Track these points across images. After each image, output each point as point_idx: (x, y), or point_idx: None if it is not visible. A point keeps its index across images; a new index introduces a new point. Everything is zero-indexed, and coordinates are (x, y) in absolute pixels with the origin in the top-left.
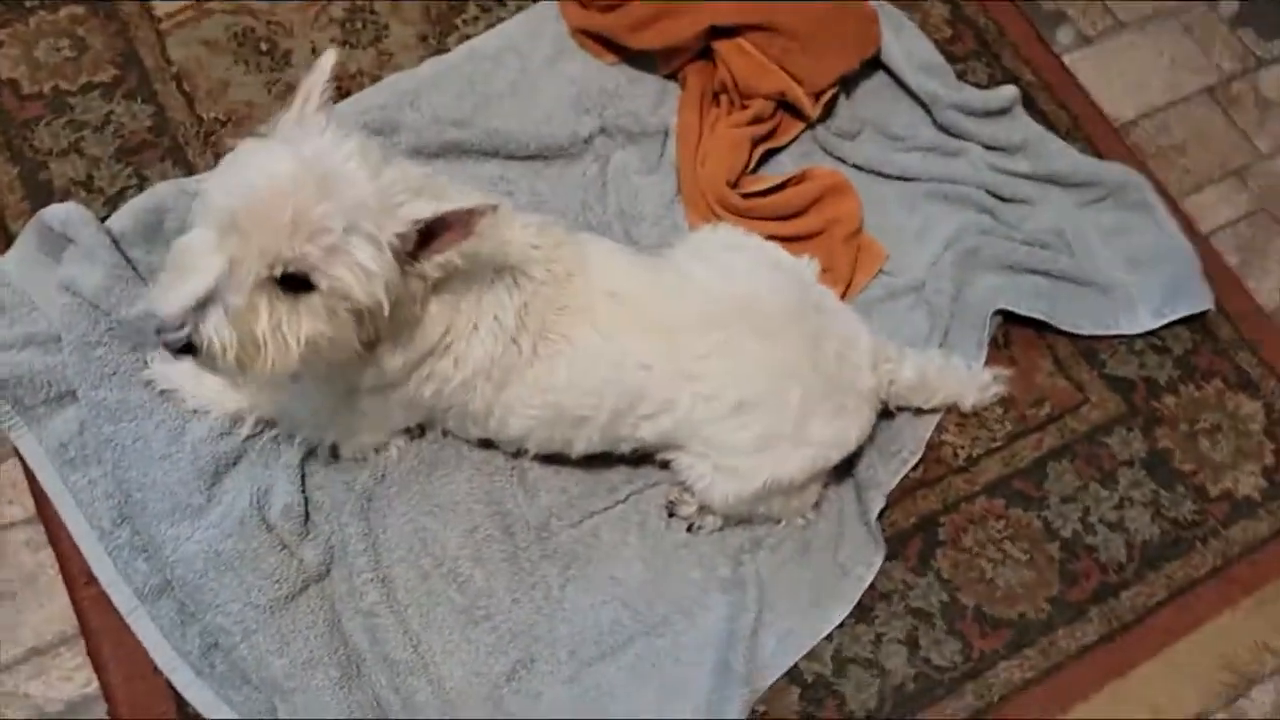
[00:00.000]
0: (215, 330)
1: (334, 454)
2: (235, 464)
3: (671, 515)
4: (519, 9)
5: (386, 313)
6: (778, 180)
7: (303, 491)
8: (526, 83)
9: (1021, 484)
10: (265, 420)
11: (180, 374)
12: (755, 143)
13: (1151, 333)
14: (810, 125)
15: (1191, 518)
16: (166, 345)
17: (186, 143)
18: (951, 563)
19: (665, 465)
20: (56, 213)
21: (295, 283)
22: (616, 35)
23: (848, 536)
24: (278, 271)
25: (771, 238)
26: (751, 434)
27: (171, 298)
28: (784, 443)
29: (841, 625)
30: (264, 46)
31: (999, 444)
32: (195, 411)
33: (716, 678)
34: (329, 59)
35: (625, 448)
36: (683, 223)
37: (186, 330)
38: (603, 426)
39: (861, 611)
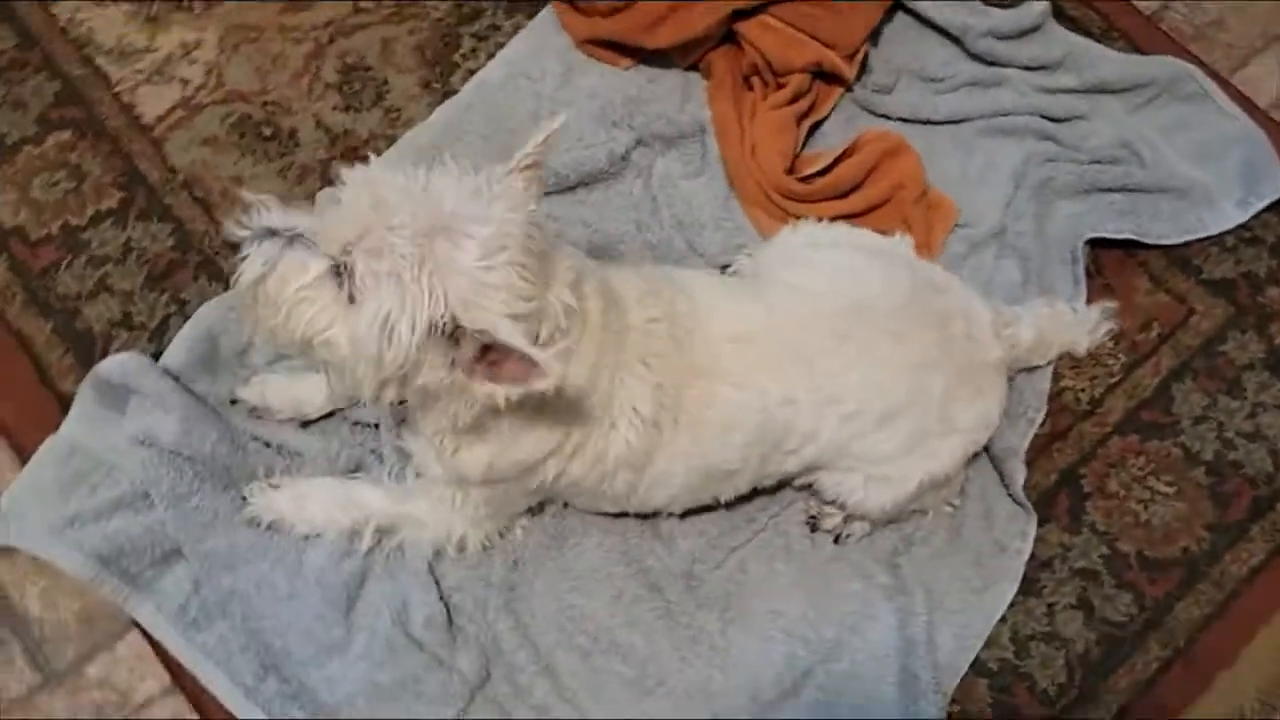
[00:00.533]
0: (258, 257)
1: (461, 549)
2: (363, 584)
3: (814, 530)
4: (516, 28)
5: (407, 387)
6: (832, 155)
7: (440, 598)
8: (546, 108)
9: (1150, 414)
10: (382, 529)
11: (282, 501)
12: (799, 120)
13: (1240, 226)
14: (848, 88)
15: None
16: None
17: (216, 252)
18: (1104, 513)
19: (806, 487)
20: (112, 366)
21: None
22: (629, 38)
23: (996, 512)
24: (338, 260)
25: (839, 218)
26: (901, 438)
27: (265, 216)
28: (932, 438)
29: (1012, 604)
30: (266, 131)
31: (1117, 378)
32: (308, 538)
33: (904, 690)
34: (554, 122)
35: (769, 483)
36: (744, 222)
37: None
38: (751, 474)
39: (1028, 585)
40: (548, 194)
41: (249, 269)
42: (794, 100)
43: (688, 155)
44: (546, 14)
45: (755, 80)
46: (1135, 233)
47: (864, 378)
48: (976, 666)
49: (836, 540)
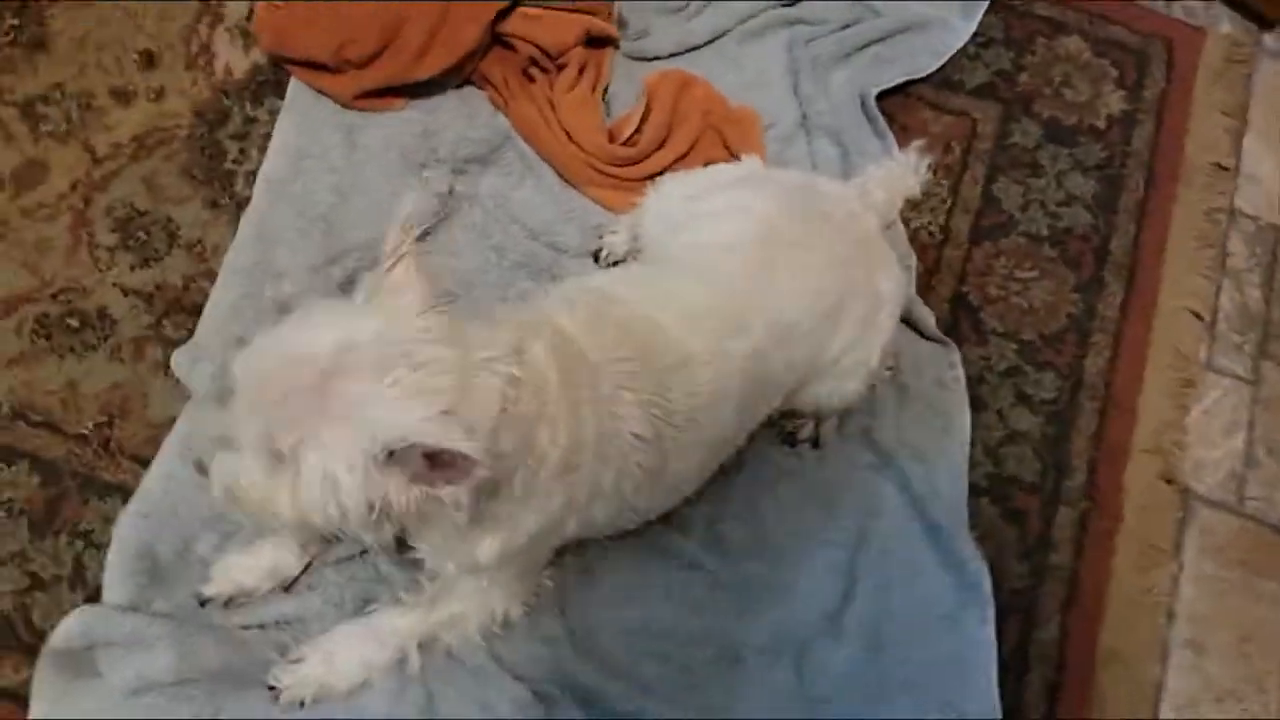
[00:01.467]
0: (218, 475)
1: (507, 623)
2: (433, 705)
3: (794, 444)
4: (272, 113)
5: (392, 518)
6: (638, 111)
7: (515, 678)
8: (346, 180)
9: (988, 219)
10: (425, 643)
11: (313, 670)
12: (593, 91)
13: (974, 35)
14: (616, 47)
15: (1103, 155)
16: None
17: (93, 469)
18: (997, 317)
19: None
20: (66, 634)
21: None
22: (398, 78)
23: (922, 357)
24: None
25: (672, 164)
26: (850, 328)
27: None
28: (873, 315)
29: (973, 426)
30: (73, 323)
31: (949, 201)
32: (355, 692)
33: (935, 543)
34: (404, 206)
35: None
36: (589, 205)
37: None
38: (749, 427)
39: (975, 404)
40: None
41: (215, 491)
42: (581, 74)
43: (505, 167)
44: (297, 88)
45: (535, 72)
46: (906, 73)
47: (801, 294)
48: (973, 490)
49: (815, 444)
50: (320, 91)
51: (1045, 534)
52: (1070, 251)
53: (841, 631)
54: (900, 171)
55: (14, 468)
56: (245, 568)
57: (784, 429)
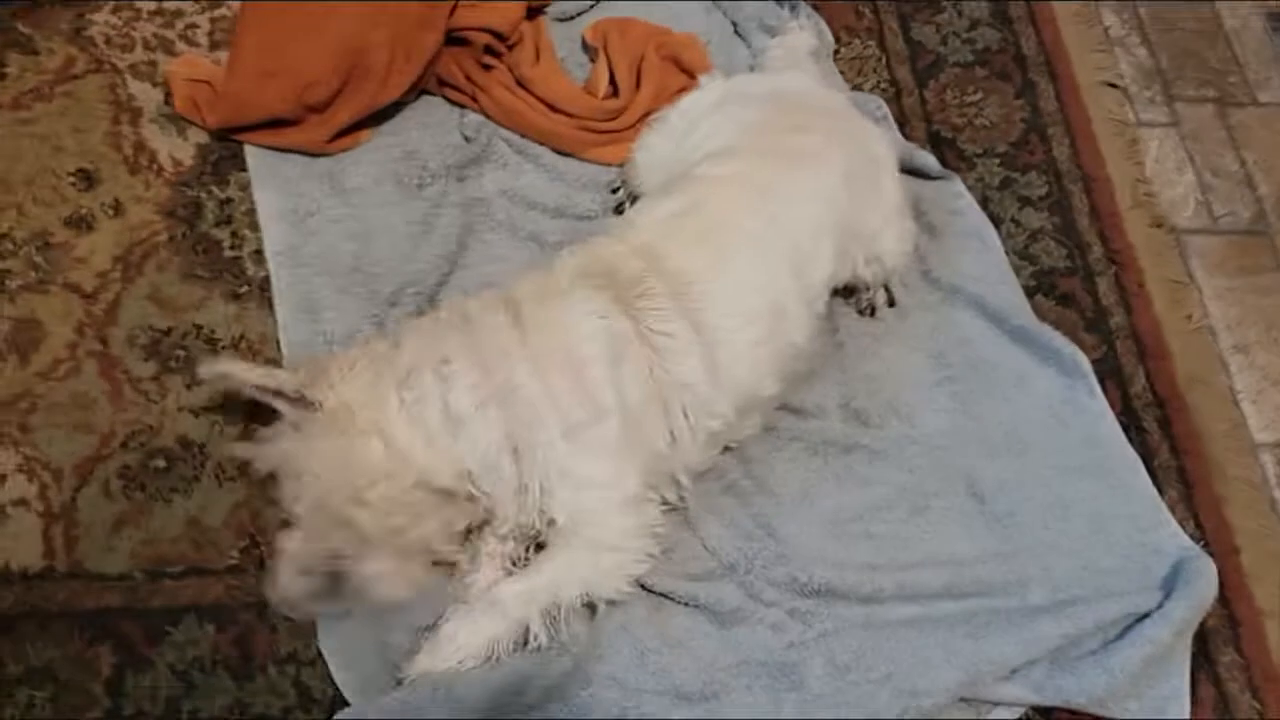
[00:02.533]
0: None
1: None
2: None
3: (874, 313)
4: (244, 185)
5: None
6: (603, 66)
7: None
8: (356, 224)
9: (922, 62)
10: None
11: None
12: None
13: None
14: (544, 12)
15: None
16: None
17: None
18: (971, 141)
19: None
20: None
21: None
22: (369, 107)
23: (934, 198)
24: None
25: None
26: (866, 196)
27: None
28: (878, 177)
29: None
30: (159, 464)
31: (883, 55)
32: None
33: (1022, 340)
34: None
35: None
36: (599, 169)
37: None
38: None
39: (992, 219)
40: (428, 293)
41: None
42: (537, 48)
43: (500, 159)
44: (256, 155)
45: (489, 60)
46: None
47: (815, 185)
48: (1026, 291)
49: (891, 304)
50: (287, 149)
51: (1097, 305)
52: (997, 66)
53: (992, 450)
54: (822, 30)
55: (182, 625)
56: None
57: (859, 305)
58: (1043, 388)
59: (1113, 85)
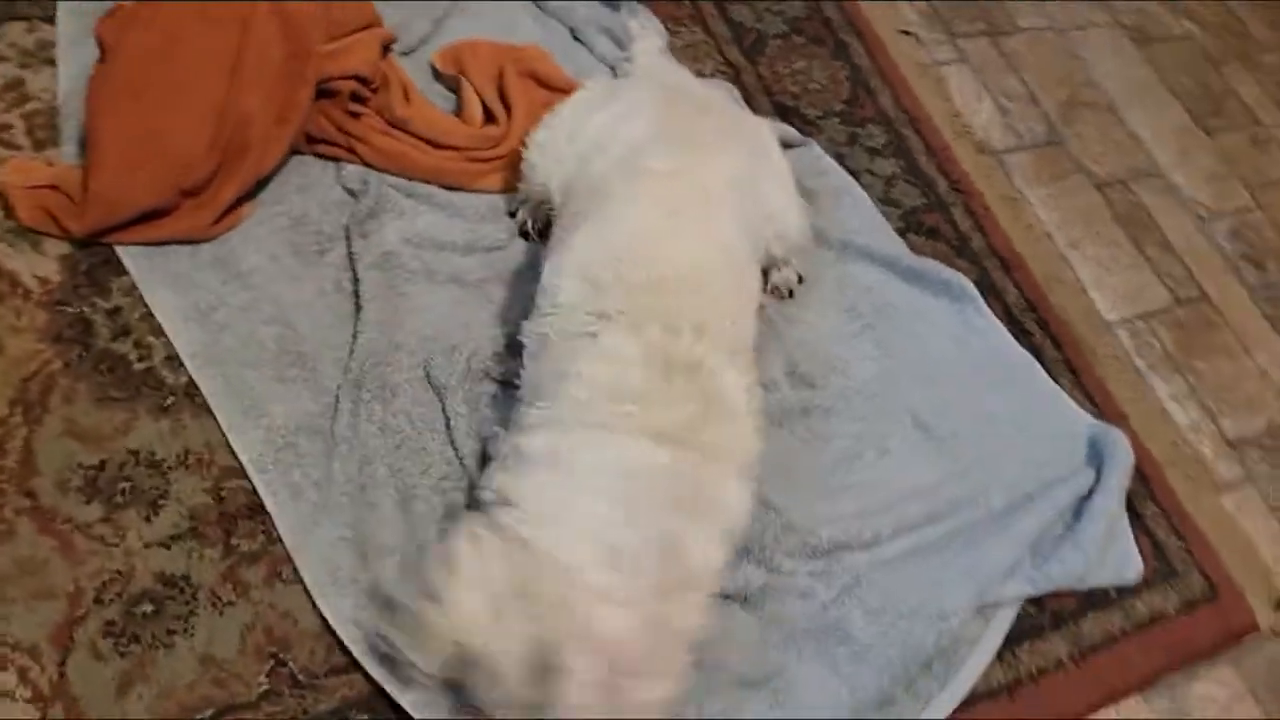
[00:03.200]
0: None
1: None
2: None
3: (792, 294)
4: (130, 297)
5: None
6: (471, 93)
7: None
8: (269, 307)
9: (747, 40)
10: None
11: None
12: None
13: None
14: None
15: None
16: None
17: (307, 710)
18: (810, 105)
19: None
20: None
21: None
22: (251, 179)
23: (801, 161)
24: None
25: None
26: (764, 176)
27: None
28: (767, 153)
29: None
30: (146, 610)
31: (711, 40)
32: None
33: (915, 279)
34: None
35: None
36: (492, 198)
37: None
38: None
39: (851, 174)
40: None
41: None
42: (403, 85)
43: (395, 207)
44: (133, 255)
45: (356, 108)
46: None
47: (724, 166)
48: (900, 234)
49: (801, 280)
50: (166, 242)
51: (958, 233)
52: (810, 33)
53: (920, 383)
54: (652, 28)
55: None
56: None
57: (776, 289)
58: (941, 318)
59: (906, 33)
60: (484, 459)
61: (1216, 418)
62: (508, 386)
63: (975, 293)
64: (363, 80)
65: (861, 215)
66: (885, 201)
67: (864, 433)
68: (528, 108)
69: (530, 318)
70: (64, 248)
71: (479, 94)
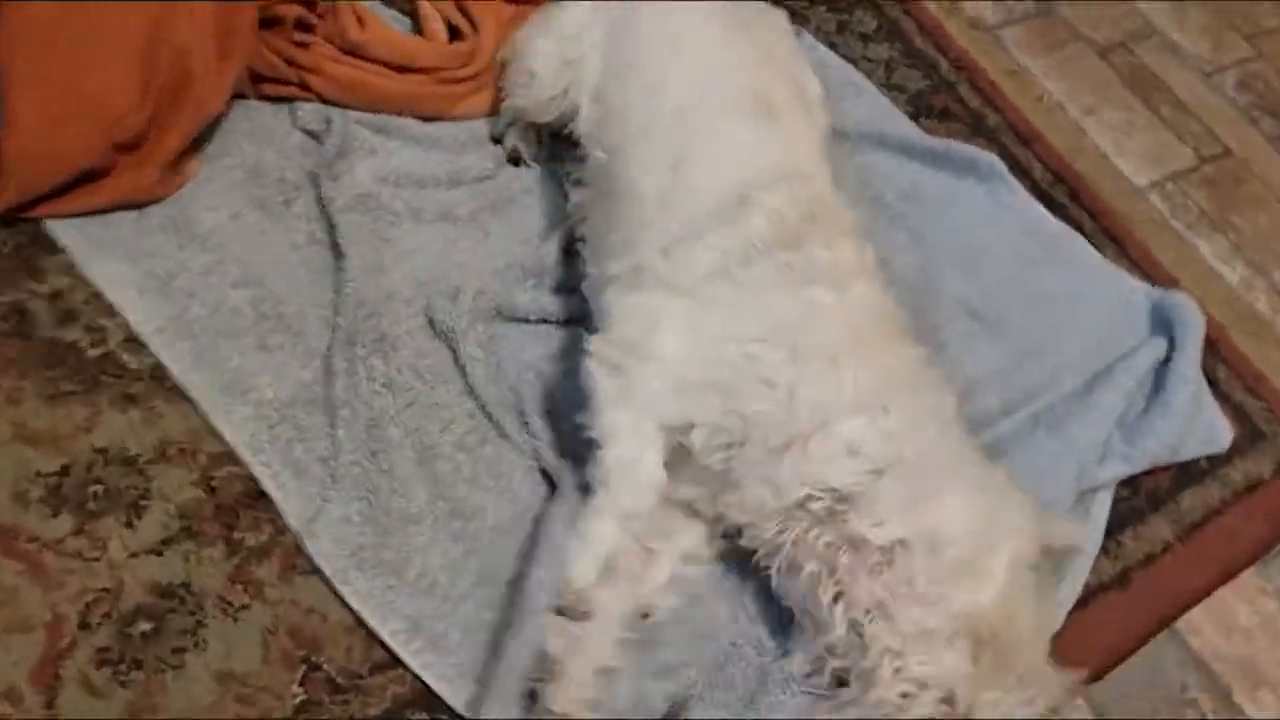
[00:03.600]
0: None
1: None
2: None
3: None
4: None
5: None
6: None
7: None
8: (236, 267)
9: None
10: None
11: None
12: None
13: None
14: None
15: None
16: None
17: (353, 716)
18: None
19: None
20: None
21: None
22: (197, 124)
23: None
24: None
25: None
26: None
27: None
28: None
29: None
30: (145, 629)
31: None
32: None
33: (944, 163)
34: None
35: None
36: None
37: None
38: None
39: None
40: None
41: None
42: (355, 11)
43: (363, 145)
44: (69, 230)
45: (303, 37)
46: None
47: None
48: (912, 117)
49: None
50: (104, 209)
51: (969, 111)
52: None
53: (962, 270)
54: None
55: None
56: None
57: None
58: (972, 199)
59: None
60: None
61: (1266, 272)
62: (523, 323)
63: (1003, 169)
64: (307, 4)
65: (868, 104)
66: (888, 87)
67: (916, 329)
68: (496, 23)
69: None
70: None
71: (439, 11)
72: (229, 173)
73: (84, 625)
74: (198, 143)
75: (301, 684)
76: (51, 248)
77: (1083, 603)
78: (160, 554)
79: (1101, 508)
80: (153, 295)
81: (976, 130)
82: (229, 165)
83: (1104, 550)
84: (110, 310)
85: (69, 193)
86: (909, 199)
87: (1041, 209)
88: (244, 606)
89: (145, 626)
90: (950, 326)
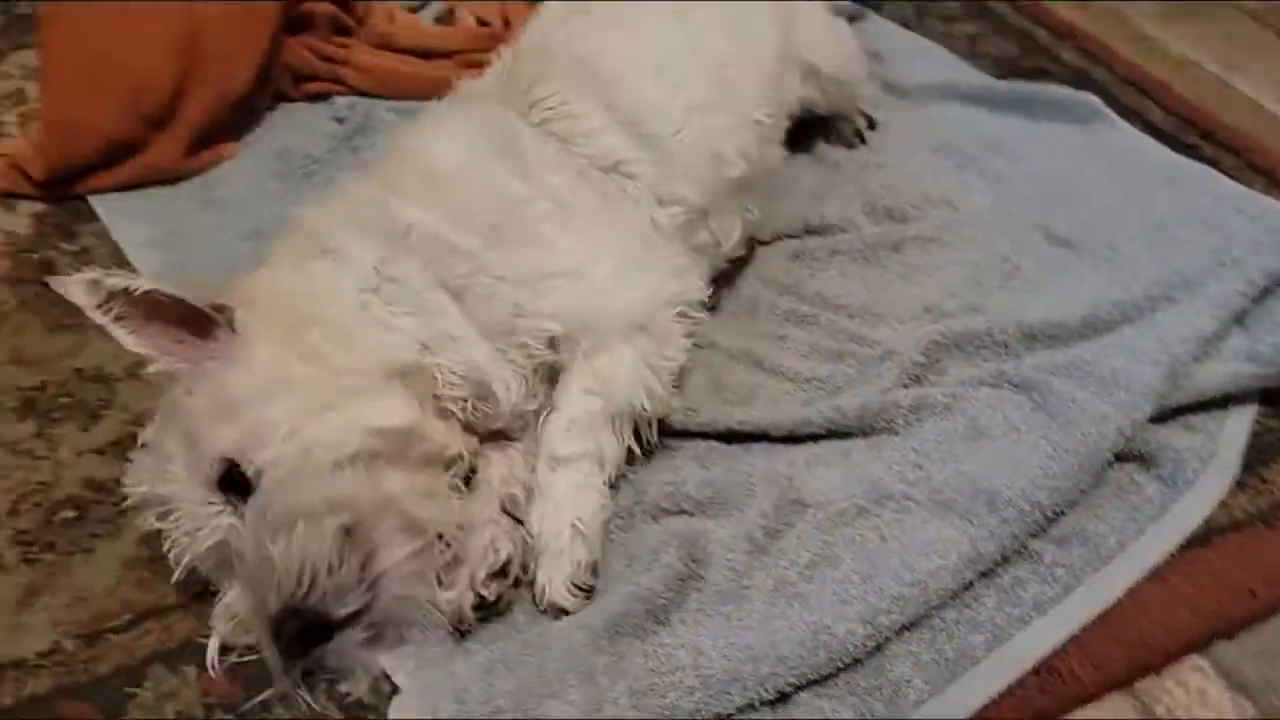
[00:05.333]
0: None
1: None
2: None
3: (863, 140)
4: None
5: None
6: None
7: None
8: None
9: None
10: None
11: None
12: None
13: None
14: None
15: None
16: None
17: None
18: None
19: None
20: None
21: None
22: (222, 102)
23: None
24: None
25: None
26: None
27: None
28: None
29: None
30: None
31: None
32: None
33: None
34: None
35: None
36: None
37: None
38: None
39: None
40: None
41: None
42: (389, 12)
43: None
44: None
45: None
46: None
47: None
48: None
49: (872, 125)
50: (140, 184)
51: (1072, 70)
52: None
53: (1051, 204)
54: None
55: (149, 680)
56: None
57: (842, 137)
58: (1067, 140)
59: None
60: None
61: None
62: None
63: (1102, 107)
64: (343, 6)
65: (940, 62)
66: (971, 55)
67: (980, 260)
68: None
69: None
70: (37, 208)
71: (474, 15)
72: (260, 155)
73: (13, 512)
74: (237, 133)
75: None
76: (91, 218)
77: (1205, 541)
78: (103, 453)
79: (1236, 433)
80: (161, 249)
81: (1080, 86)
82: (262, 150)
83: (1240, 486)
84: (124, 263)
85: (103, 169)
86: (983, 143)
87: (1154, 143)
88: None
89: (68, 514)
90: (1028, 255)
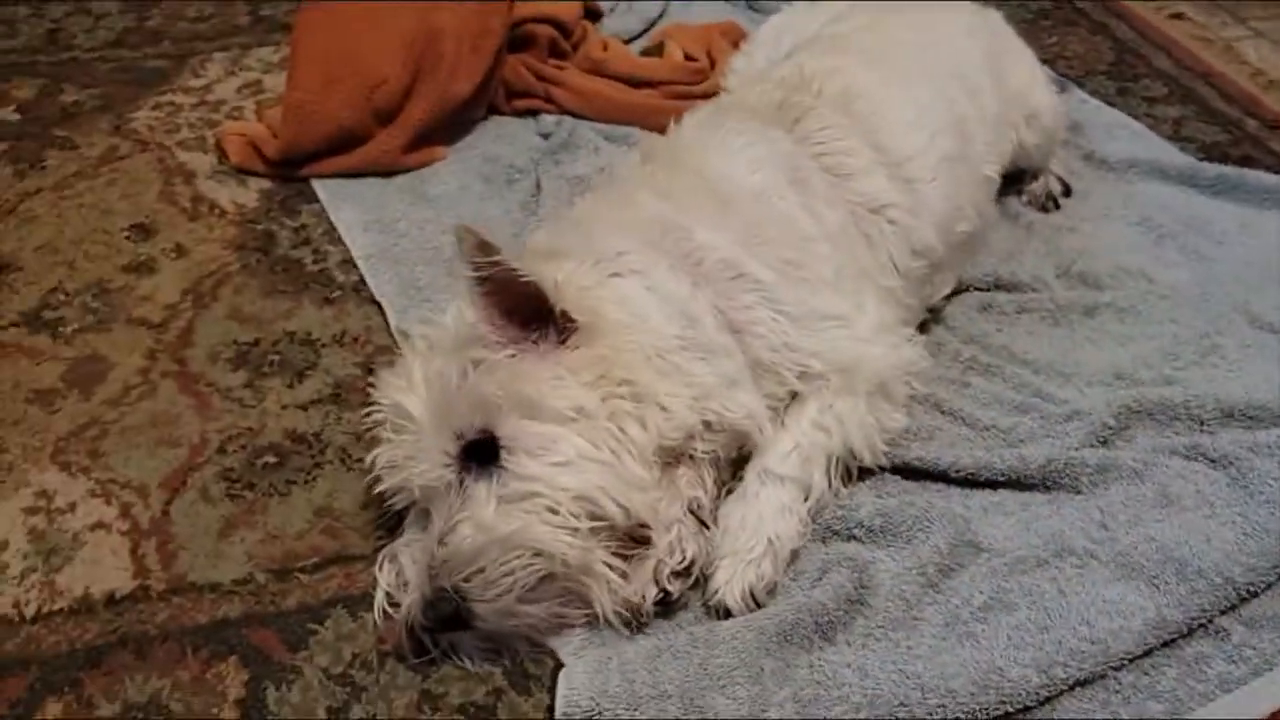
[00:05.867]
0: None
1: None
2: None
3: (1056, 204)
4: (319, 214)
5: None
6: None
7: None
8: (451, 216)
9: None
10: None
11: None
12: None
13: None
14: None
15: None
16: None
17: None
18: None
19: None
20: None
21: None
22: (439, 104)
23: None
24: None
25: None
26: (1021, 48)
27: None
28: (1004, 45)
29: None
30: (269, 460)
31: None
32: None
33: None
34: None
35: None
36: None
37: None
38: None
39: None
40: None
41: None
42: (603, 41)
43: (588, 146)
44: (328, 187)
45: (559, 62)
46: None
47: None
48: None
49: (1068, 192)
50: (359, 173)
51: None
52: (1059, 18)
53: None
54: None
55: (330, 622)
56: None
57: (1038, 200)
58: (1273, 227)
59: (1178, 16)
60: None
61: None
62: None
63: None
64: (561, 29)
65: (1145, 142)
66: (1175, 138)
67: (1179, 334)
68: (713, 60)
69: None
70: (265, 184)
71: (682, 48)
72: (469, 160)
73: (221, 450)
74: (450, 138)
75: (390, 533)
76: (312, 199)
77: None
78: (306, 410)
79: None
80: (374, 231)
81: None
82: (471, 156)
83: None
84: (338, 241)
85: (331, 157)
86: (1187, 222)
87: None
88: (360, 460)
89: (270, 459)
90: (1229, 334)
